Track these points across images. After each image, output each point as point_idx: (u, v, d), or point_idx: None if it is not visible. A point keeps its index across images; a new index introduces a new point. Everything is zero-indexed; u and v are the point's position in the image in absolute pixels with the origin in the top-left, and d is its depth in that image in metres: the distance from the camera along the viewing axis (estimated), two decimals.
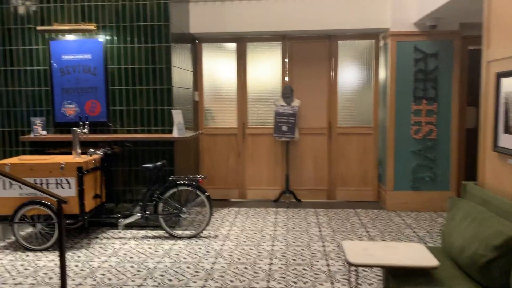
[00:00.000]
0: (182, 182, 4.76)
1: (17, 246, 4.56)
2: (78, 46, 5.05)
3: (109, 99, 5.10)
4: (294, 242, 4.65)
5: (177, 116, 5.00)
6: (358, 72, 6.36)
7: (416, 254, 2.77)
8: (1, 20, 5.09)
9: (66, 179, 4.43)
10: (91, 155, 4.60)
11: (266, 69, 6.43)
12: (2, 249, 4.52)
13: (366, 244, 2.98)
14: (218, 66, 6.47)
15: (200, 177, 4.78)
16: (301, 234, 4.93)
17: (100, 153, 4.75)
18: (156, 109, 5.08)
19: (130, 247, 4.55)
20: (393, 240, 4.71)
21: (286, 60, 6.34)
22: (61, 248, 3.00)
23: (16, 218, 4.39)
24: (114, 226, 5.08)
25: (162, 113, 5.08)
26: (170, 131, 5.06)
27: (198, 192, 4.74)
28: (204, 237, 4.83)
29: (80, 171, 4.41)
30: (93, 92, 5.10)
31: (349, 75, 6.36)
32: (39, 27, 4.95)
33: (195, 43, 6.36)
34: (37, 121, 5.05)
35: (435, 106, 5.77)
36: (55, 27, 4.92)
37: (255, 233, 4.98)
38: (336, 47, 6.31)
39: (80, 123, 4.72)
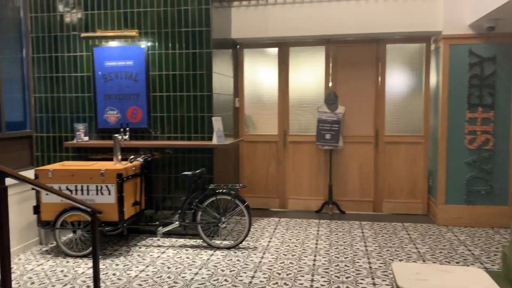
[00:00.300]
0: (221, 190, 4.64)
1: (58, 252, 4.59)
2: (120, 52, 5.06)
3: (150, 106, 5.08)
4: (337, 257, 4.40)
5: (217, 123, 4.89)
6: (407, 77, 6.02)
7: (475, 281, 2.48)
8: (48, 27, 5.19)
9: (106, 186, 4.42)
10: (131, 162, 4.57)
11: (309, 74, 6.22)
12: (44, 254, 4.57)
13: (418, 267, 2.71)
14: (260, 72, 6.34)
15: (240, 186, 4.63)
16: (345, 248, 4.67)
17: (140, 160, 4.72)
18: (196, 116, 5.00)
19: (168, 256, 4.46)
20: (445, 258, 4.36)
21: (330, 64, 6.11)
22: (94, 258, 2.92)
23: (58, 224, 4.42)
24: (153, 233, 5.03)
25: (202, 120, 5.00)
26: (210, 138, 4.97)
27: (237, 201, 4.60)
28: (243, 248, 4.67)
29: (120, 178, 4.39)
30: (135, 99, 5.09)
31: (397, 80, 6.04)
32: (83, 34, 5.00)
33: (236, 49, 6.25)
34: (80, 127, 5.10)
35: (492, 114, 5.35)
36: (99, 33, 4.95)
37: (296, 246, 4.77)
38: (384, 51, 6.01)
39: (121, 129, 4.71)
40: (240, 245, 4.73)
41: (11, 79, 5.09)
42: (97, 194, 4.43)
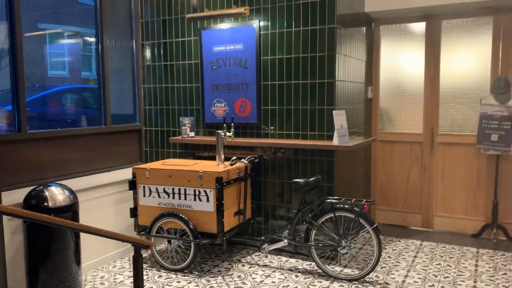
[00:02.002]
0: (341, 206, 3.60)
1: (153, 262, 4.10)
2: (229, 35, 4.35)
3: (260, 97, 4.27)
4: None
5: (339, 118, 3.85)
6: None
7: None
8: (157, 11, 4.74)
9: (205, 191, 3.75)
10: (232, 164, 3.82)
11: (468, 55, 4.73)
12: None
13: None
14: (400, 54, 5.05)
15: (367, 202, 3.53)
16: None
17: (245, 161, 3.94)
18: (314, 109, 4.03)
19: (273, 282, 3.61)
20: None
21: (500, 42, 4.53)
22: None
23: (153, 230, 3.91)
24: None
25: (321, 115, 4.00)
26: (331, 138, 3.95)
27: (362, 221, 3.52)
28: (370, 283, 3.57)
29: (219, 183, 3.67)
30: (244, 89, 4.34)
31: None
32: (188, 15, 4.41)
33: (371, 26, 5.07)
34: (186, 121, 4.55)
35: None
36: (205, 13, 4.30)
37: (444, 286, 3.49)
38: None
39: (224, 124, 4.00)
40: (367, 277, 3.63)
41: (119, 69, 4.78)
42: (195, 199, 3.79)
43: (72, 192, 3.31)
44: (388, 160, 5.13)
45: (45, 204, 3.12)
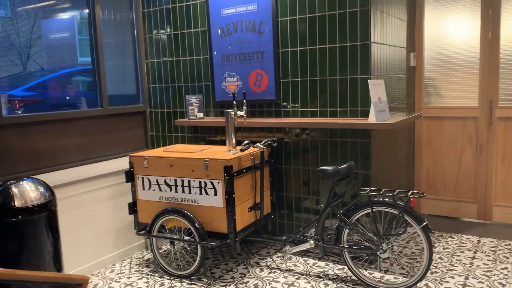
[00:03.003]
0: (381, 199, 2.86)
1: (157, 266, 3.51)
2: None
3: (279, 68, 3.54)
4: None
5: (377, 89, 3.09)
6: None
7: None
8: None
9: (211, 183, 3.09)
10: (243, 150, 3.12)
11: None
12: (143, 266, 3.53)
13: None
14: (449, 15, 4.17)
15: (413, 195, 2.77)
16: None
17: (260, 146, 3.24)
18: (344, 80, 3.27)
19: None
20: None
21: None
22: None
23: (154, 229, 3.31)
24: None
25: (353, 86, 3.24)
26: (365, 114, 3.19)
27: (408, 218, 2.77)
28: None
29: (228, 172, 3.00)
30: (259, 59, 3.62)
31: None
32: None
33: None
34: (193, 100, 3.89)
35: None
36: None
37: None
38: None
39: (234, 102, 3.31)
40: (414, 287, 2.89)
41: (118, 43, 4.16)
42: (200, 193, 3.14)
43: (48, 187, 2.73)
44: (435, 140, 4.31)
45: (12, 203, 2.55)
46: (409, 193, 2.79)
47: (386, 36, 3.48)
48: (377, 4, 3.24)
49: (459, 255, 3.43)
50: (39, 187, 2.70)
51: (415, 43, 4.26)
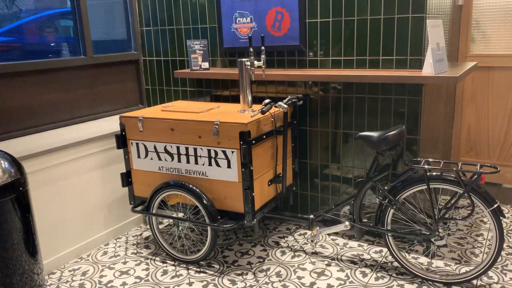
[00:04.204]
0: (440, 174, 2.26)
1: (158, 247, 2.96)
2: None
3: (305, 4, 2.82)
4: None
5: (436, 32, 2.40)
6: None
7: None
8: None
9: (224, 152, 2.47)
10: (263, 112, 2.46)
11: None
12: (141, 246, 2.99)
13: None
14: None
15: (484, 168, 2.17)
16: None
17: (283, 105, 2.58)
18: (390, 20, 2.57)
19: (330, 286, 2.42)
20: None
21: None
22: None
23: (153, 206, 2.73)
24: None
25: (402, 27, 2.54)
26: (415, 64, 2.53)
27: (475, 199, 2.19)
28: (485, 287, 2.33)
29: (245, 140, 2.38)
30: None
31: None
32: None
33: None
34: (196, 47, 3.19)
35: None
36: None
37: None
38: None
39: (251, 49, 2.62)
40: (476, 281, 2.36)
41: None
42: (210, 164, 2.54)
43: (14, 162, 2.11)
44: (481, 95, 3.67)
45: None
46: (478, 167, 2.19)
47: None
48: None
49: None
50: (2, 162, 2.08)
51: None
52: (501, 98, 3.59)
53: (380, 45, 2.62)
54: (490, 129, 3.68)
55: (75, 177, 2.81)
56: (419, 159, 2.34)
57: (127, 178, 2.84)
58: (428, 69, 2.40)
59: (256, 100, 3.11)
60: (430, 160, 2.32)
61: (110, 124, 3.17)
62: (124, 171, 2.96)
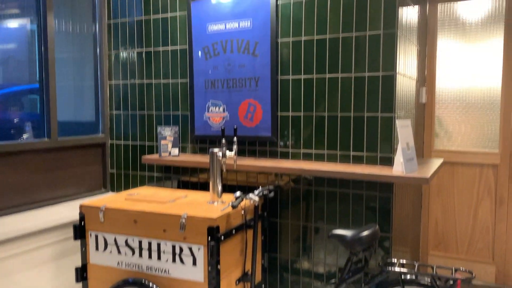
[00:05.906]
0: (414, 278, 2.18)
1: None
2: (231, 7, 2.96)
3: (277, 99, 2.86)
4: None
5: (405, 132, 2.46)
6: None
7: None
8: None
9: (190, 248, 2.32)
10: (234, 206, 2.37)
11: None
12: None
13: None
14: (462, 44, 3.67)
15: (462, 273, 2.12)
16: None
17: (255, 198, 2.50)
18: (360, 118, 2.62)
19: None
20: None
21: None
22: None
23: None
24: None
25: (372, 126, 2.60)
26: (384, 161, 2.55)
27: None
28: None
29: (214, 236, 2.25)
30: (252, 87, 2.94)
31: None
32: None
33: (425, 3, 3.70)
34: (167, 133, 3.14)
35: None
36: None
37: None
38: None
39: (223, 140, 2.60)
40: None
41: (75, 59, 3.38)
42: (173, 260, 2.37)
43: None
44: (446, 190, 3.73)
45: None
46: (452, 271, 2.13)
47: (406, 66, 2.89)
48: (402, 27, 2.65)
49: None
50: None
51: (426, 75, 3.72)
52: (466, 192, 3.65)
53: (350, 140, 2.65)
54: (457, 223, 3.70)
55: (23, 272, 2.55)
56: (393, 260, 2.26)
57: (82, 273, 2.61)
58: (398, 167, 2.41)
59: (226, 188, 3.03)
60: (404, 262, 2.25)
61: (70, 210, 2.98)
62: (80, 265, 2.72)
